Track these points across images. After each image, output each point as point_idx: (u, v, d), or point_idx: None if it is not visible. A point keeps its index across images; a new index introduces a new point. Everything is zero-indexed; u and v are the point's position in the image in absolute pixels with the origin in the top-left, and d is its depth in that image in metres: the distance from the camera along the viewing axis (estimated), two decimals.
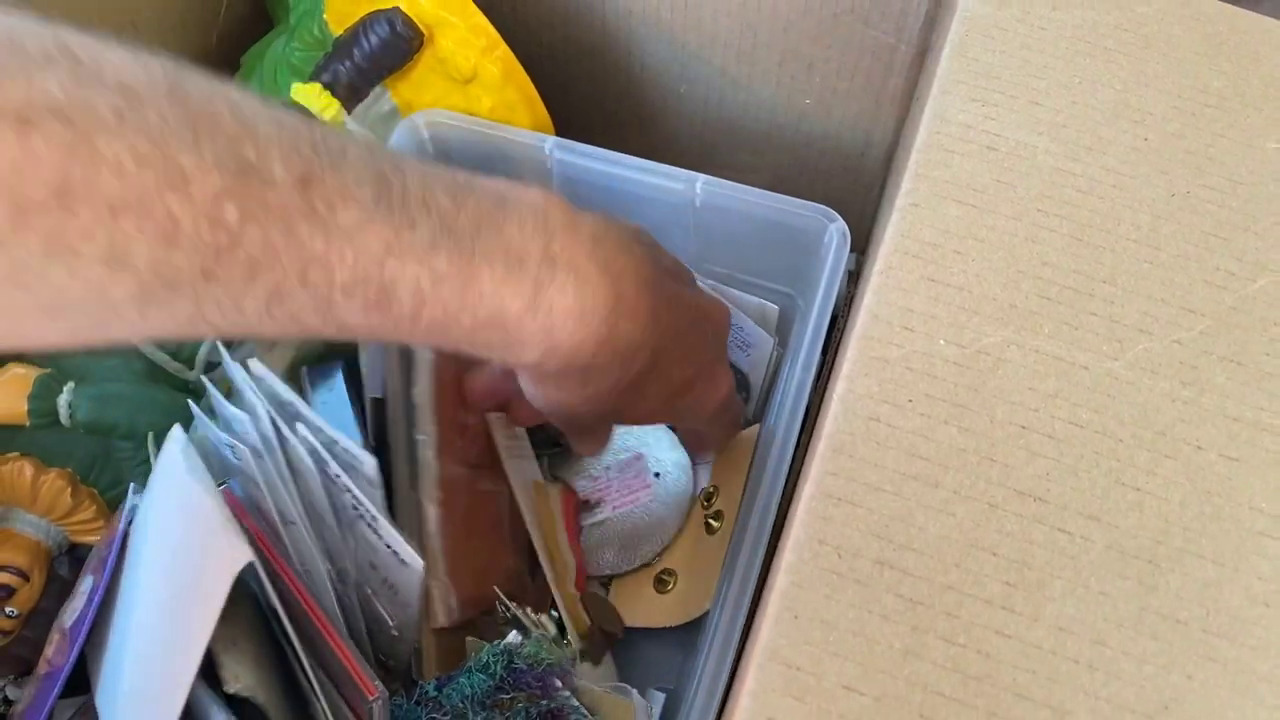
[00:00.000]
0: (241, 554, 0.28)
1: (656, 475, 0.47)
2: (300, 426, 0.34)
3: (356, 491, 0.33)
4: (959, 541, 0.26)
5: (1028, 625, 0.25)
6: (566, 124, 0.49)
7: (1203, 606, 0.26)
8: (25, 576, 0.40)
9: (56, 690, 0.35)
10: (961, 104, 0.34)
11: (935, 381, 0.29)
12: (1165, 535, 0.27)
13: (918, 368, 0.29)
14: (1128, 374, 0.30)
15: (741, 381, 0.50)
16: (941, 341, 0.29)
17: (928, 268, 0.31)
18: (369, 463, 0.33)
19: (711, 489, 0.45)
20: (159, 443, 0.39)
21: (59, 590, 0.41)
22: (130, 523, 0.36)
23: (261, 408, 0.34)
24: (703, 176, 0.44)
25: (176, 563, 0.32)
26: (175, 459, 0.33)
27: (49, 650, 0.37)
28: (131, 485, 0.38)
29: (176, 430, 0.34)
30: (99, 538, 0.41)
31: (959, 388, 0.29)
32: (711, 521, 0.44)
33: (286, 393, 0.34)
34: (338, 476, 0.33)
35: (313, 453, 0.33)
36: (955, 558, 0.26)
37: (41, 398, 0.38)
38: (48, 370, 0.38)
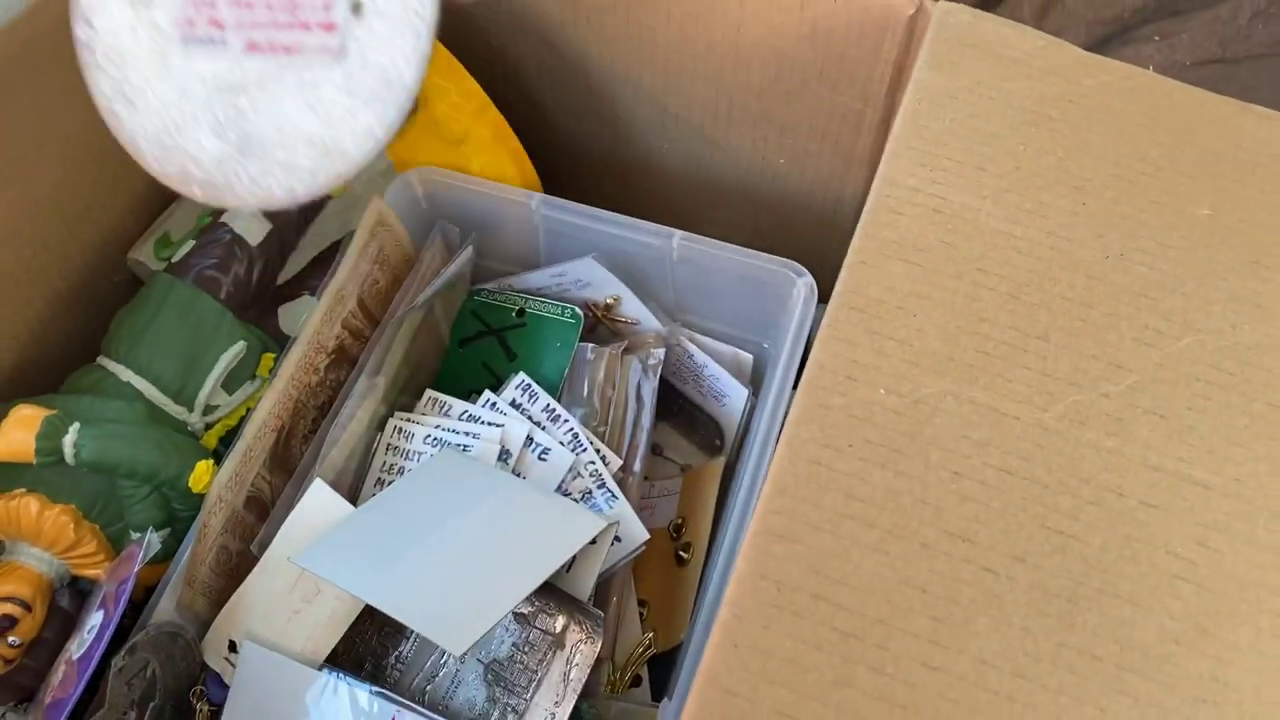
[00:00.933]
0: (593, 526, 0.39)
1: (356, 9, 0.32)
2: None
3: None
4: (891, 578, 0.28)
5: (953, 658, 0.27)
6: (553, 181, 0.52)
7: (1117, 643, 0.28)
8: (28, 607, 0.42)
9: (63, 718, 0.37)
10: (911, 168, 0.37)
11: (874, 428, 0.31)
12: (1085, 576, 0.29)
13: (859, 415, 0.31)
14: (1056, 425, 0.32)
15: (715, 429, 0.52)
16: (882, 391, 0.32)
17: (872, 322, 0.33)
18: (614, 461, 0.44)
19: (679, 520, 0.47)
20: (156, 481, 0.42)
21: (59, 621, 0.43)
22: (143, 560, 0.38)
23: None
24: (679, 233, 0.46)
25: (523, 522, 0.40)
26: (477, 467, 0.43)
27: (55, 679, 0.39)
28: (146, 543, 0.41)
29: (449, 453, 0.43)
30: (99, 571, 0.43)
31: (896, 434, 0.31)
32: (681, 554, 0.46)
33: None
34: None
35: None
36: (886, 593, 0.28)
37: (48, 437, 0.40)
38: (54, 411, 0.41)
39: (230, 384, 0.45)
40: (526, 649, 0.39)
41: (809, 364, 0.32)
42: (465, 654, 0.39)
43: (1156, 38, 0.98)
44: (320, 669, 0.39)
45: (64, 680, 0.38)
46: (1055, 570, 0.29)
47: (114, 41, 0.32)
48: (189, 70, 0.32)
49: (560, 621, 0.38)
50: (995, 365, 0.32)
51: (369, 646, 0.42)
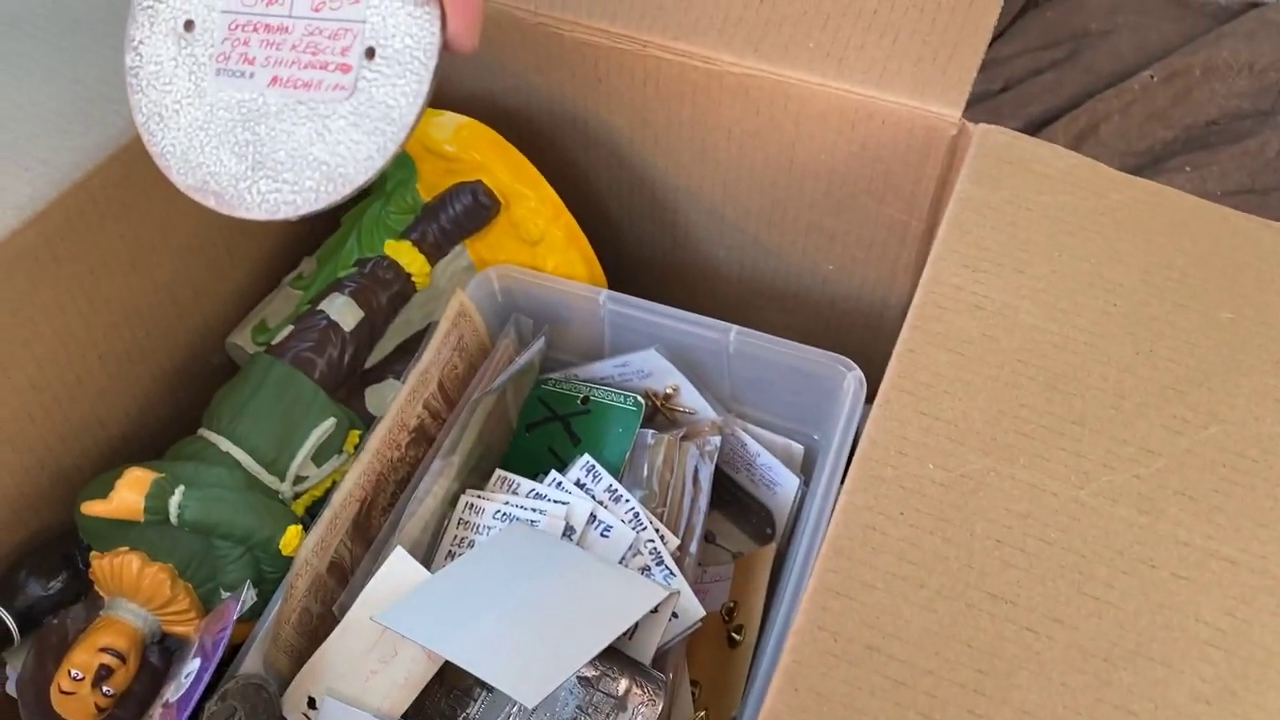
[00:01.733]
0: (656, 595, 0.42)
1: (369, 53, 0.34)
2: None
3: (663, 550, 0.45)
4: (939, 633, 0.31)
5: (996, 707, 0.30)
6: (618, 282, 0.56)
7: (1151, 701, 0.30)
8: (123, 659, 0.45)
9: None
10: (955, 269, 0.40)
11: (923, 499, 0.34)
12: (1120, 638, 0.31)
13: (909, 486, 0.34)
14: (1092, 501, 0.34)
15: (767, 517, 0.55)
16: (930, 465, 0.35)
17: (921, 404, 0.36)
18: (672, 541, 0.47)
19: (732, 604, 0.49)
20: (250, 543, 0.45)
21: (148, 676, 0.46)
22: (240, 610, 0.42)
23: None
24: (736, 327, 0.50)
25: (589, 589, 0.43)
26: (549, 539, 0.46)
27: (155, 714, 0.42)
28: (244, 595, 0.44)
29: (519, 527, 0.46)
30: (189, 629, 0.46)
31: (944, 505, 0.34)
32: (734, 635, 0.48)
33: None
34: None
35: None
36: (935, 647, 0.31)
37: (157, 497, 0.43)
38: (163, 475, 0.44)
39: (319, 457, 0.49)
40: (590, 710, 0.41)
41: (863, 439, 0.35)
42: (532, 714, 0.42)
43: (1188, 168, 1.02)
44: None
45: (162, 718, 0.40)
46: (1092, 632, 0.31)
47: (156, 69, 0.37)
48: (218, 97, 0.36)
49: (623, 684, 0.41)
50: (1034, 446, 0.35)
51: (439, 709, 0.44)
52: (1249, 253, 0.43)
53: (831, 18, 0.50)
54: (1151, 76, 1.06)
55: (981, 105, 1.11)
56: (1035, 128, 1.06)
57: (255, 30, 0.36)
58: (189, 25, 0.36)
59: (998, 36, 1.15)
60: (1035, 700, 0.30)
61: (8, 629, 0.45)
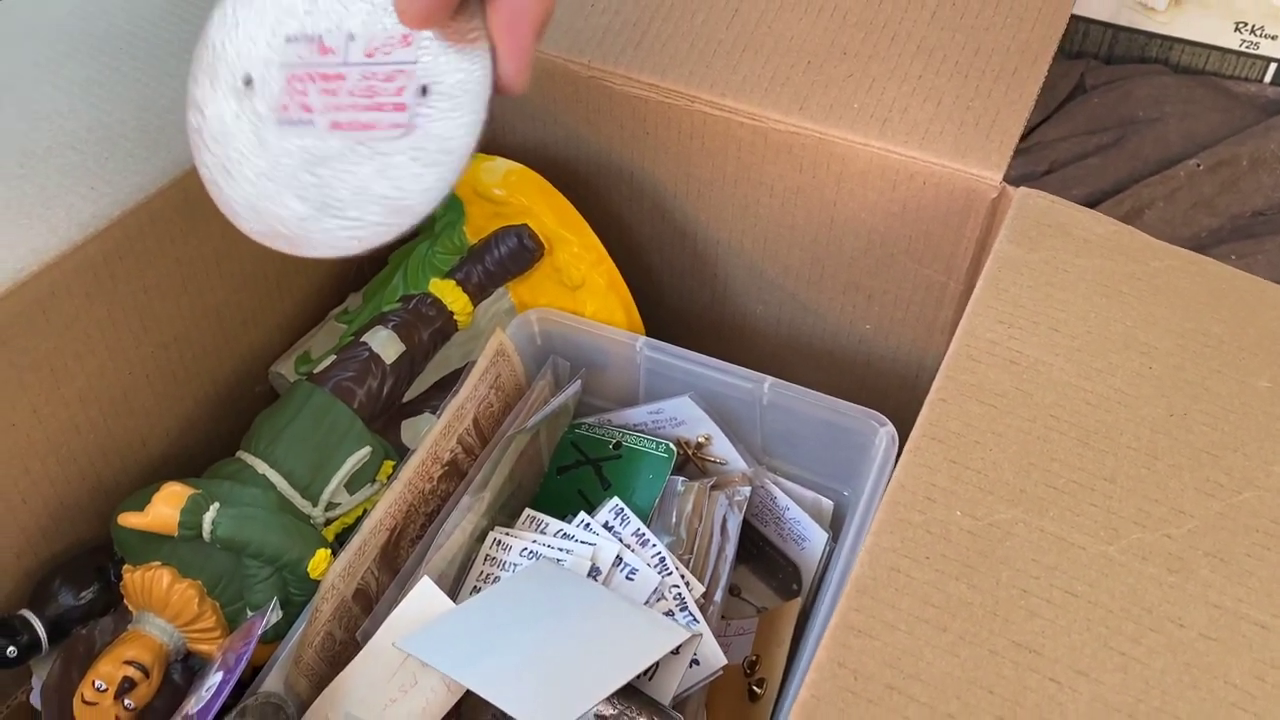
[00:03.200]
0: (677, 636, 0.42)
1: (423, 91, 0.36)
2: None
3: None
4: (960, 678, 0.31)
5: None
6: (658, 330, 0.56)
7: None
8: (147, 673, 0.45)
9: None
10: (990, 325, 0.41)
11: (950, 545, 0.34)
12: (1145, 695, 0.31)
13: (936, 532, 0.34)
14: (1121, 558, 0.34)
15: (794, 573, 0.54)
16: (958, 513, 0.34)
17: (951, 452, 0.36)
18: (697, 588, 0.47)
19: (754, 658, 0.49)
20: (279, 563, 0.45)
21: (170, 692, 0.46)
22: (266, 625, 0.42)
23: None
24: (770, 378, 0.51)
25: (611, 627, 0.43)
26: (570, 577, 0.46)
27: None
28: (269, 611, 0.45)
29: (544, 565, 0.47)
30: (213, 647, 0.47)
31: (970, 552, 0.33)
32: (754, 689, 0.47)
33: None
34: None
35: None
36: (956, 690, 0.30)
37: (191, 512, 0.44)
38: (199, 491, 0.45)
39: (353, 485, 0.49)
40: None
41: (891, 484, 0.35)
42: None
43: (1233, 257, 1.02)
44: None
45: None
46: (1117, 686, 0.31)
47: (219, 126, 0.38)
48: (280, 146, 0.37)
49: None
50: (1064, 500, 0.35)
51: None
52: None
53: (877, 80, 0.51)
54: (1198, 165, 1.06)
55: (1027, 186, 1.12)
56: None
57: (312, 80, 0.37)
58: (248, 81, 0.38)
59: (1044, 120, 1.17)
60: None
61: (38, 636, 0.45)
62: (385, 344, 0.52)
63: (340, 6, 0.36)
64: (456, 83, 0.35)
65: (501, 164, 0.54)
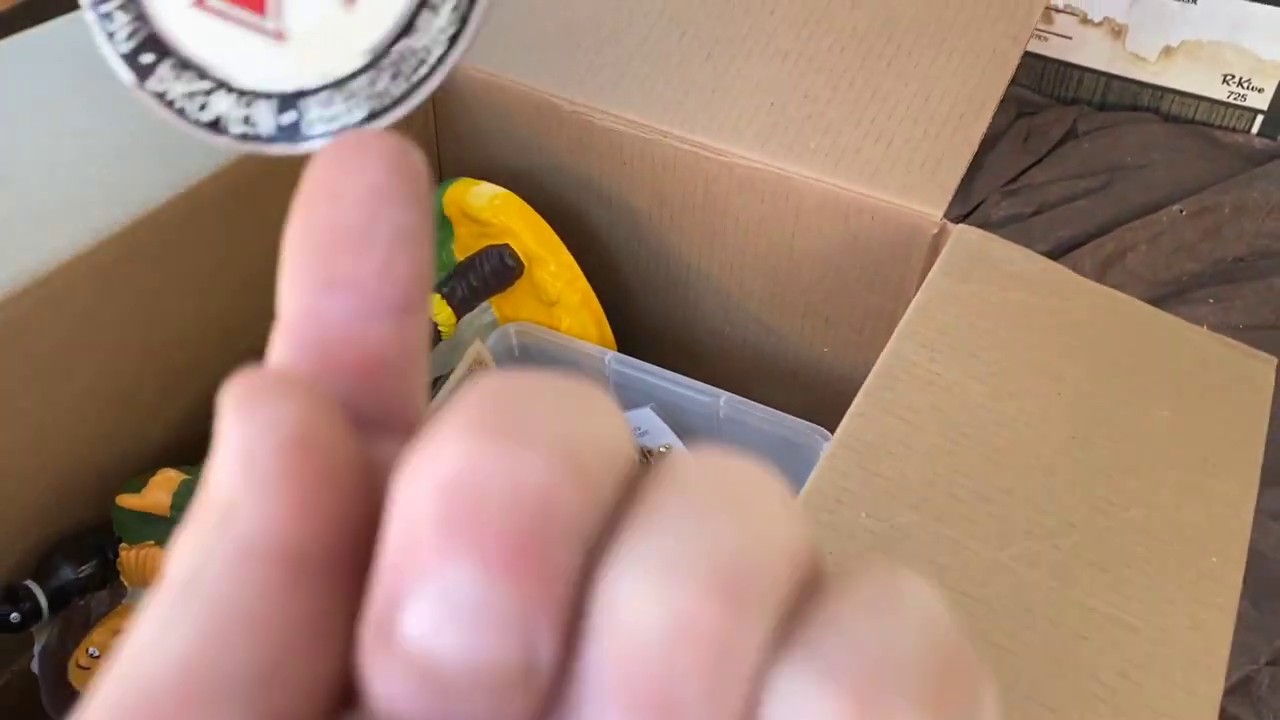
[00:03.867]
0: None
1: None
2: None
3: None
4: None
5: None
6: (635, 348, 0.60)
7: None
8: None
9: None
10: (914, 348, 0.44)
11: (853, 542, 0.37)
12: (1015, 683, 0.34)
13: (841, 530, 0.38)
14: (1009, 563, 0.38)
15: None
16: (863, 515, 0.38)
17: (863, 460, 0.40)
18: None
19: None
20: None
21: None
22: None
23: None
24: (726, 394, 0.54)
25: None
26: None
27: None
28: None
29: None
30: None
31: (871, 549, 0.37)
32: None
33: None
34: None
35: None
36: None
37: (184, 495, 0.48)
38: (191, 477, 0.49)
39: None
40: None
41: (806, 487, 0.39)
42: None
43: (1211, 300, 1.05)
44: None
45: None
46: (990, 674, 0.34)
47: None
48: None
49: None
50: (963, 509, 0.39)
51: None
52: (1195, 360, 0.46)
53: (833, 123, 0.55)
54: (1181, 211, 1.10)
55: (1014, 226, 1.15)
56: (1063, 251, 1.10)
57: None
58: None
59: (1035, 163, 1.20)
60: None
61: (39, 605, 0.49)
62: None
63: None
64: None
65: (487, 189, 0.59)
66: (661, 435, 0.57)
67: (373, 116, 0.18)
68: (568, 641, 0.12)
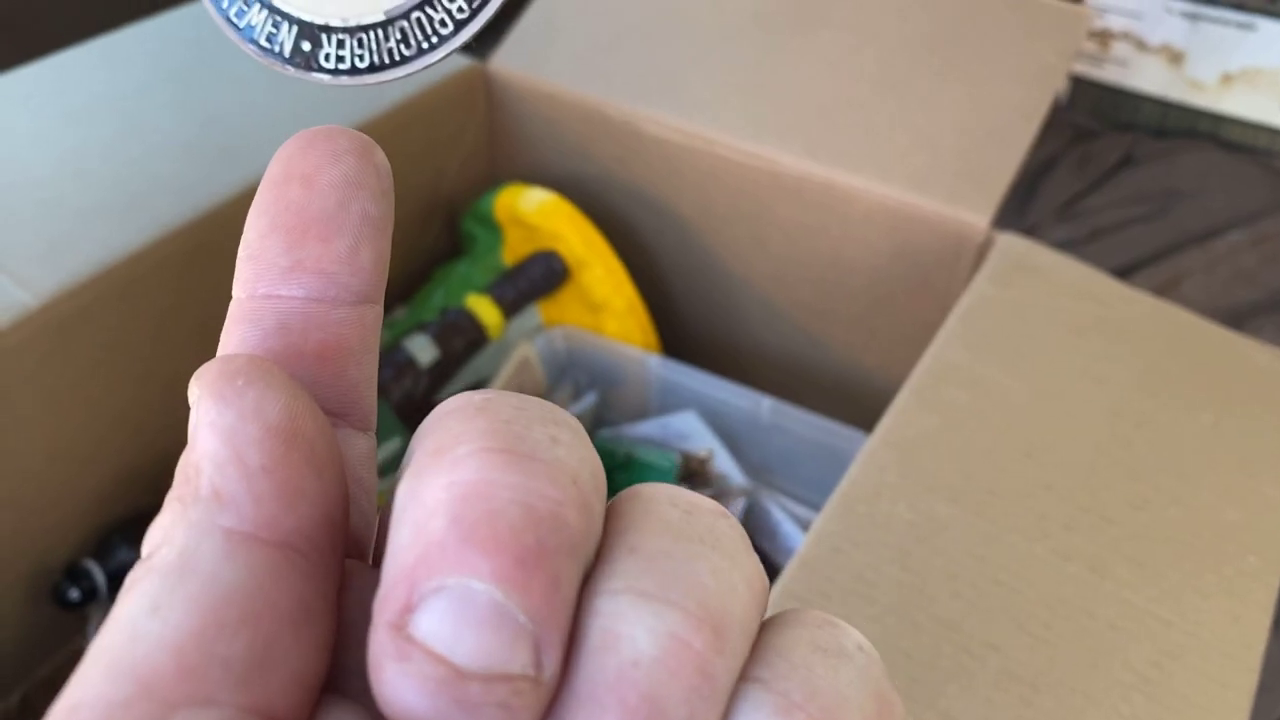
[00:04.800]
0: None
1: None
2: None
3: None
4: (881, 642, 0.34)
5: (921, 710, 0.33)
6: (680, 351, 0.61)
7: None
8: None
9: None
10: (956, 350, 0.45)
11: (890, 533, 0.38)
12: (1049, 670, 0.34)
13: (879, 521, 0.38)
14: (1046, 555, 0.38)
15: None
16: (901, 506, 0.38)
17: (904, 455, 0.40)
18: None
19: None
20: None
21: None
22: None
23: None
24: (769, 398, 0.55)
25: None
26: None
27: None
28: None
29: None
30: None
31: (908, 540, 0.37)
32: None
33: None
34: None
35: None
36: (878, 651, 0.34)
37: None
38: None
39: (383, 471, 0.55)
40: None
41: (844, 480, 0.39)
42: None
43: (1270, 329, 1.03)
44: None
45: None
46: (1024, 661, 0.34)
47: None
48: None
49: None
50: (1001, 503, 0.39)
51: None
52: (1239, 367, 0.46)
53: (881, 133, 0.56)
54: (1240, 238, 1.08)
55: (1068, 251, 1.15)
56: (1118, 277, 1.10)
57: None
58: None
59: (1091, 189, 1.20)
60: (959, 708, 0.33)
61: (96, 584, 0.51)
62: (423, 349, 0.57)
63: None
64: None
65: (537, 193, 0.60)
66: (704, 439, 0.57)
67: (373, 69, 0.20)
68: (565, 653, 0.13)
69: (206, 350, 0.53)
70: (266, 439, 0.13)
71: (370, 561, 0.16)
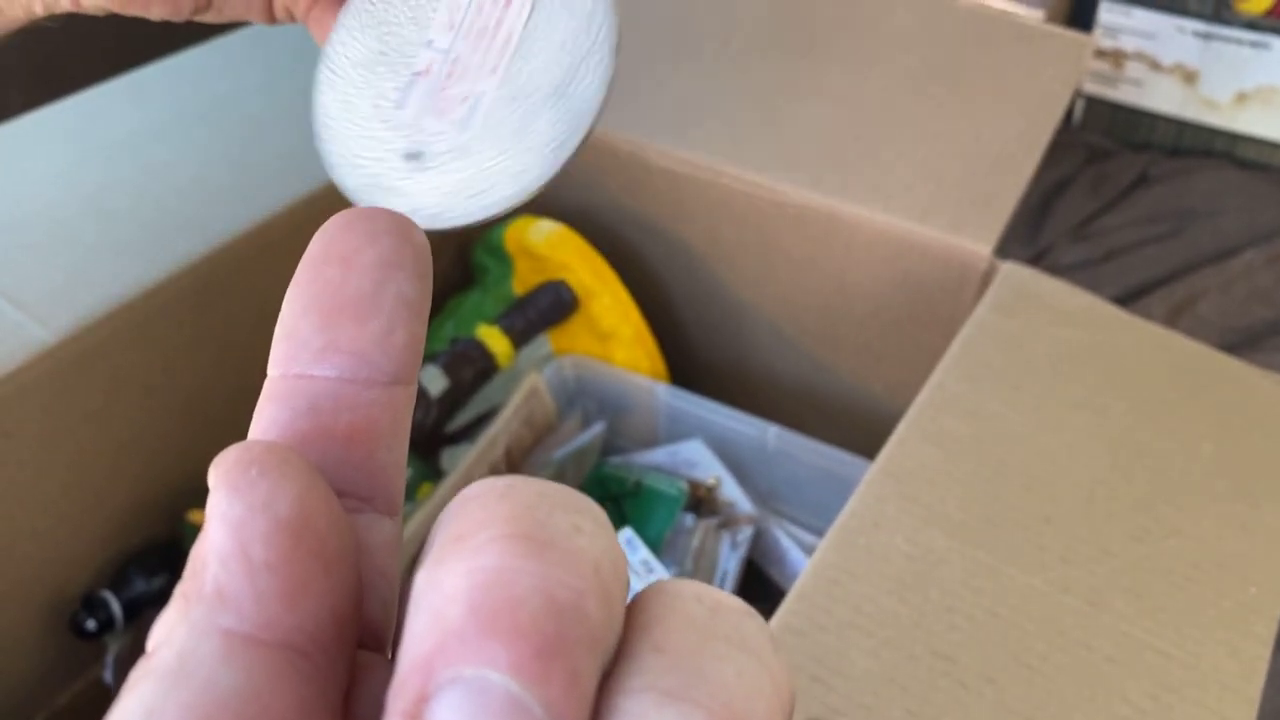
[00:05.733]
0: None
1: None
2: None
3: None
4: (879, 676, 0.35)
5: None
6: (684, 379, 0.62)
7: None
8: None
9: None
10: (957, 380, 0.45)
11: (888, 565, 0.38)
12: (1045, 703, 0.35)
13: (877, 554, 0.38)
14: (1044, 588, 0.38)
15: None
16: (900, 539, 0.39)
17: (903, 487, 0.41)
18: None
19: None
20: None
21: None
22: None
23: None
24: (775, 426, 0.55)
25: None
26: None
27: None
28: None
29: None
30: None
31: (906, 572, 0.38)
32: None
33: None
34: None
35: None
36: (873, 687, 0.34)
37: None
38: None
39: None
40: None
41: (844, 511, 0.40)
42: None
43: None
44: None
45: None
46: (1020, 694, 0.35)
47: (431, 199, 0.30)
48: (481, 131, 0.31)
49: None
50: (1000, 535, 0.39)
51: None
52: (1239, 396, 0.46)
53: (884, 161, 0.56)
54: (1256, 257, 1.08)
55: (1083, 271, 1.14)
56: (1133, 298, 1.09)
57: (442, 90, 0.31)
58: (415, 154, 0.31)
59: (1106, 209, 1.20)
60: None
61: (113, 614, 0.52)
62: (433, 379, 0.58)
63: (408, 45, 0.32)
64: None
65: (546, 225, 0.61)
66: (711, 467, 0.58)
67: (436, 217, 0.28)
68: None
69: (220, 382, 0.54)
70: (274, 534, 0.13)
71: (389, 653, 0.16)
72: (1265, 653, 0.37)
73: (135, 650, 0.52)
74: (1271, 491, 0.42)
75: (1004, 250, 0.53)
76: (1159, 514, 0.41)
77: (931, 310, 0.56)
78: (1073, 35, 0.59)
